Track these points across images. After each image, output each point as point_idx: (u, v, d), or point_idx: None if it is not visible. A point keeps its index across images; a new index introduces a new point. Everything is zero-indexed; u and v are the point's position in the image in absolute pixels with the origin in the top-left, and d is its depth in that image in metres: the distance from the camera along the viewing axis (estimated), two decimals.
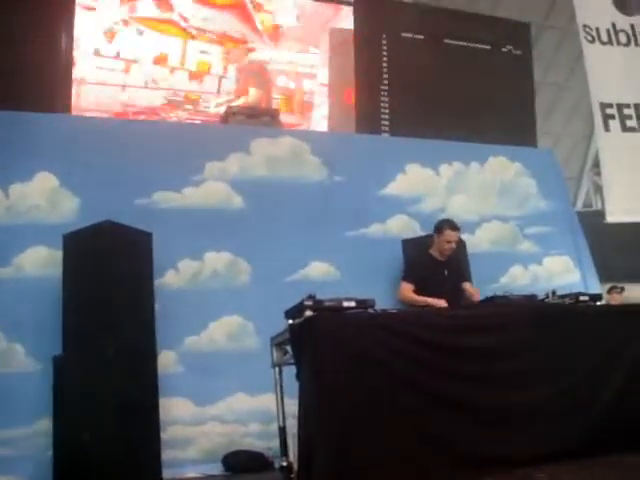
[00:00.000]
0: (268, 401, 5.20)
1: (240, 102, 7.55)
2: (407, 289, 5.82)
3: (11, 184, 5.96)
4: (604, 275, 8.03)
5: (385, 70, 8.08)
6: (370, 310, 4.34)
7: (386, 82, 8.06)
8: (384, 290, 6.26)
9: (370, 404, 4.04)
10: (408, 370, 4.18)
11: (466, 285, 6.01)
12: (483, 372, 4.32)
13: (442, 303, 5.33)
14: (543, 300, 4.96)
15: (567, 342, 4.56)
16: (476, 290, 5.91)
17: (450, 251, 5.96)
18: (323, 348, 4.03)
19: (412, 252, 6.45)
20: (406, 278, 5.92)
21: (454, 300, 5.58)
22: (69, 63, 6.82)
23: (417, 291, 5.76)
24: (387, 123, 7.98)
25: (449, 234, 5.92)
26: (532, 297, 4.99)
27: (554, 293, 4.99)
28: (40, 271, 5.76)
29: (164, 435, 5.51)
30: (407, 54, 8.14)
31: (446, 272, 5.93)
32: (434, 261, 5.99)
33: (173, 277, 6.18)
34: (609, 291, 8.79)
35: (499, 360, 4.39)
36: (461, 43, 8.47)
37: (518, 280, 7.33)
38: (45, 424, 5.32)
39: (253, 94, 7.55)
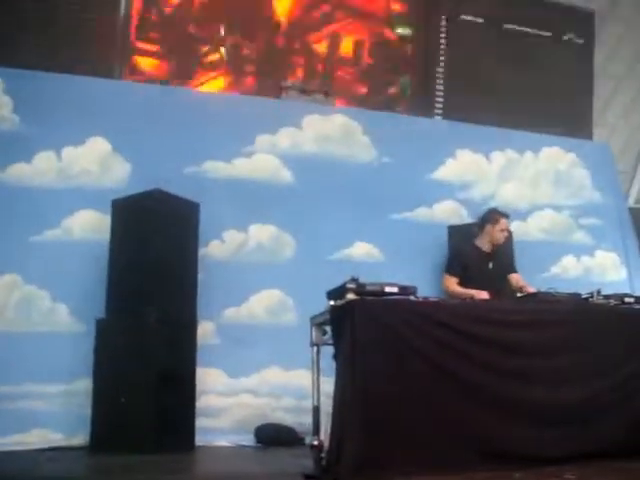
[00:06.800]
0: (302, 376, 5.28)
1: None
2: (452, 282, 5.75)
3: (64, 146, 6.03)
4: None
5: (442, 52, 7.97)
6: (412, 297, 4.34)
7: (442, 64, 7.96)
8: (426, 275, 6.27)
9: (405, 391, 4.08)
10: (445, 360, 4.21)
11: (513, 277, 5.90)
12: (521, 368, 4.34)
13: (484, 295, 5.29)
14: (587, 299, 4.87)
15: (607, 343, 4.54)
16: (526, 283, 5.73)
17: (505, 240, 5.89)
18: (362, 333, 4.05)
19: (457, 240, 6.40)
20: (450, 271, 5.84)
21: (499, 293, 5.52)
22: (127, 31, 6.83)
23: (461, 283, 5.71)
24: (441, 106, 7.87)
25: (504, 222, 5.86)
26: (576, 295, 4.90)
27: (599, 292, 4.90)
28: (88, 235, 5.84)
29: (198, 404, 5.59)
30: (465, 37, 8.01)
31: (491, 265, 5.85)
32: (480, 253, 5.89)
33: (217, 247, 6.22)
34: None
35: (538, 356, 4.39)
36: (521, 28, 8.29)
37: (570, 271, 7.27)
38: (84, 383, 5.41)
39: None
